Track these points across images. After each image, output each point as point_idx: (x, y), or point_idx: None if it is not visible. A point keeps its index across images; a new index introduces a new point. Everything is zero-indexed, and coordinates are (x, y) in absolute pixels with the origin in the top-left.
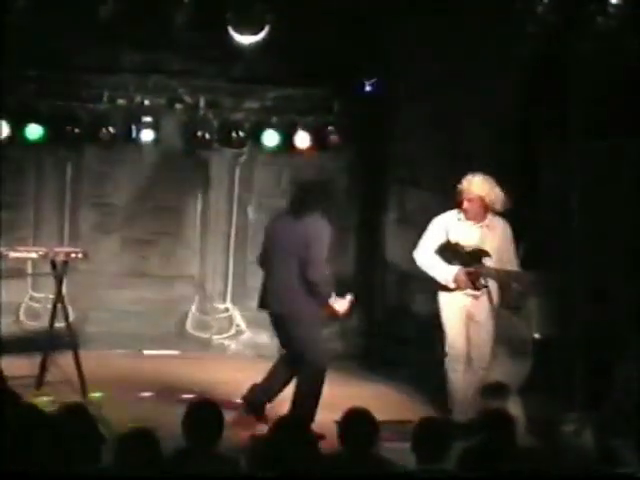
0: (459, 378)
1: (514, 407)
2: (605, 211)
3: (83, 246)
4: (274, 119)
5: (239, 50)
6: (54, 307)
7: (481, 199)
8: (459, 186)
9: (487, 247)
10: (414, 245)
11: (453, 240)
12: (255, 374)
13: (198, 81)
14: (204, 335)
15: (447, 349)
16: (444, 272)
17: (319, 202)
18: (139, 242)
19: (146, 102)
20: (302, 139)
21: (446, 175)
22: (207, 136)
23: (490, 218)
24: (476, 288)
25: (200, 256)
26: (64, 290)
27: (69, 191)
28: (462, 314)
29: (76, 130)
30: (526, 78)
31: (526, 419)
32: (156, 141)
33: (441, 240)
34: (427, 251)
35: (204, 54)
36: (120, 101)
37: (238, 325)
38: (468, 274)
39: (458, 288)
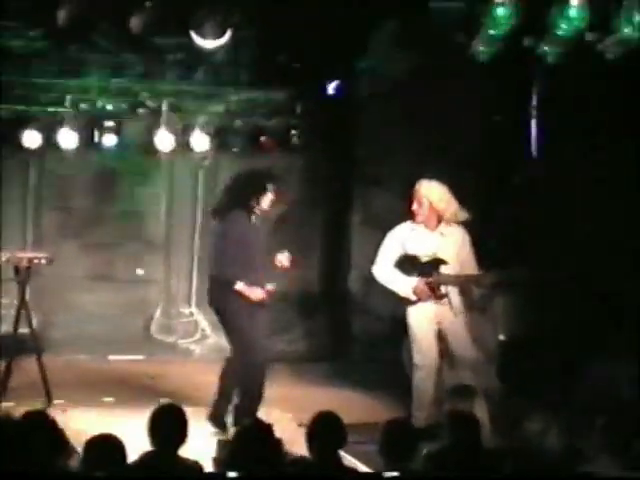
0: (425, 381)
1: (479, 409)
2: (575, 208)
3: (46, 250)
4: (237, 122)
5: (202, 54)
6: (18, 312)
7: (430, 203)
8: (413, 190)
9: (444, 255)
10: (378, 246)
11: (410, 251)
12: None
13: (161, 85)
14: (169, 339)
15: (416, 361)
16: (403, 285)
17: (237, 199)
18: (103, 246)
19: (108, 106)
20: (265, 142)
21: (411, 176)
22: (170, 140)
23: (444, 226)
24: (437, 297)
25: (164, 260)
26: (27, 295)
27: (32, 195)
28: (431, 324)
29: (39, 134)
30: (493, 78)
31: (490, 420)
32: (119, 145)
33: (398, 253)
34: (385, 265)
35: (167, 58)
36: (82, 105)
37: (203, 329)
38: (427, 284)
39: (420, 300)
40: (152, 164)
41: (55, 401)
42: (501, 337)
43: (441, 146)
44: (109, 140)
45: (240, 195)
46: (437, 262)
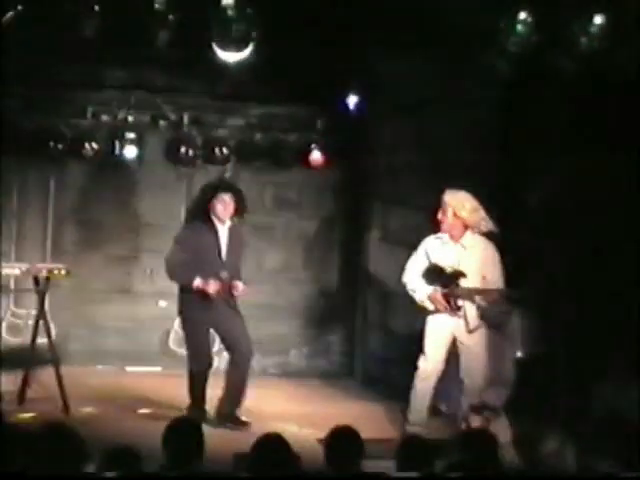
0: (424, 387)
1: (501, 427)
2: (590, 227)
3: (66, 262)
4: (258, 136)
5: (223, 67)
6: (36, 323)
7: (453, 211)
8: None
9: (464, 266)
10: (397, 262)
11: (434, 261)
12: None
13: (182, 98)
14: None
15: (420, 363)
16: (422, 293)
17: (194, 209)
18: (122, 258)
19: (130, 118)
20: (287, 157)
21: (429, 192)
22: (191, 153)
23: (470, 237)
24: (452, 309)
25: None
26: (46, 306)
27: (52, 207)
28: (444, 334)
29: (59, 146)
30: (509, 96)
31: (512, 439)
32: (140, 158)
33: (423, 262)
34: (411, 274)
35: (188, 71)
36: (104, 117)
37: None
38: (443, 295)
39: (436, 310)
40: (172, 177)
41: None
42: (519, 354)
43: (458, 162)
44: (130, 152)
45: (195, 205)
46: (457, 274)
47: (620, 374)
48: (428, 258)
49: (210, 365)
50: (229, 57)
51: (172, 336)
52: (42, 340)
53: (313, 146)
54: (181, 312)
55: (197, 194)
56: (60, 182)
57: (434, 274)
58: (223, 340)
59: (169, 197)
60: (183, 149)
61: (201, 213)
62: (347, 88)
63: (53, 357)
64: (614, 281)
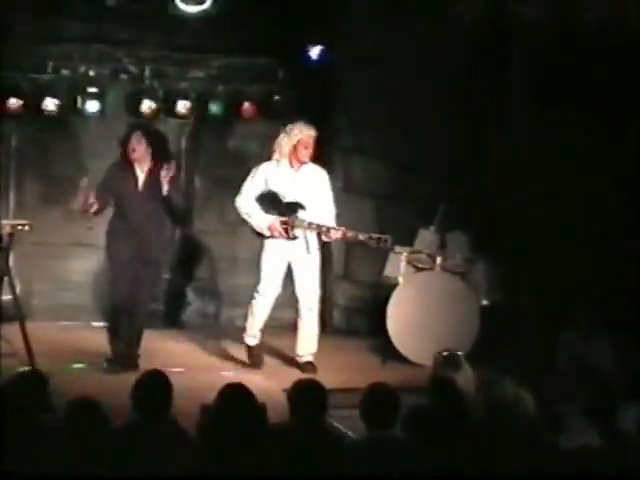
0: (263, 309)
1: (465, 375)
2: (557, 179)
3: (28, 217)
4: (219, 88)
5: (184, 19)
6: (0, 280)
7: (314, 143)
8: (296, 135)
9: (302, 194)
10: (359, 212)
11: (272, 189)
12: (202, 345)
13: (143, 50)
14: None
15: (260, 287)
16: (260, 220)
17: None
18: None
19: (91, 72)
20: (247, 109)
21: (391, 143)
22: (153, 106)
23: (311, 167)
24: (289, 238)
25: None
26: (10, 262)
27: (14, 162)
28: (282, 258)
29: (20, 101)
30: (471, 47)
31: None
32: (101, 112)
33: (261, 188)
34: (247, 198)
35: (149, 23)
36: (64, 71)
37: (185, 295)
38: (282, 224)
39: (272, 236)
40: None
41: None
42: (484, 302)
43: (420, 115)
44: (92, 106)
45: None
46: (295, 205)
47: (587, 323)
48: (267, 184)
49: None
50: (189, 8)
51: None
52: (7, 297)
53: (275, 97)
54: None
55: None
56: (22, 137)
57: (273, 202)
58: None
59: None
60: (145, 102)
61: (122, 154)
62: (310, 38)
63: (18, 313)
64: (585, 228)
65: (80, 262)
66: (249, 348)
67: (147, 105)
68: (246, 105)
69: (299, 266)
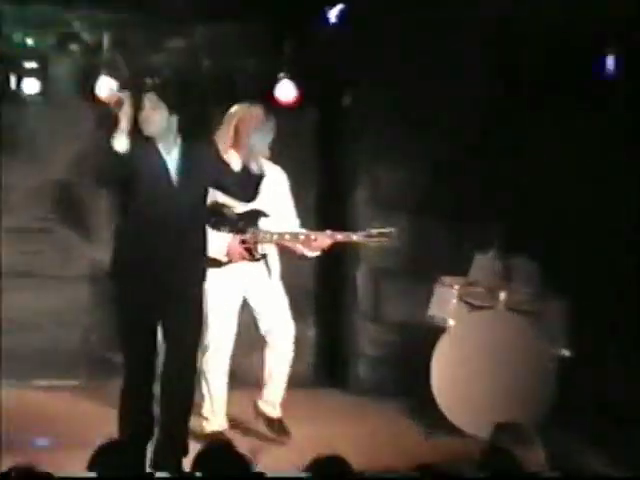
0: (220, 376)
1: (534, 453)
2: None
3: None
4: (204, 64)
5: None
6: None
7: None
8: (235, 118)
9: (262, 202)
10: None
11: (219, 197)
12: None
13: (101, 12)
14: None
15: (208, 340)
16: (213, 243)
17: None
18: (25, 232)
19: (29, 41)
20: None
21: (433, 140)
22: (114, 87)
23: (262, 163)
24: (254, 259)
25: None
26: None
27: None
28: (236, 294)
29: None
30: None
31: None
32: (43, 94)
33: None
34: None
35: None
36: None
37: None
38: (242, 242)
39: (230, 262)
40: (90, 119)
41: None
42: (562, 352)
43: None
44: (30, 87)
45: None
46: (255, 214)
47: None
48: (213, 192)
49: None
50: None
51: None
52: None
53: (280, 76)
54: None
55: None
56: None
57: (224, 215)
58: None
59: (87, 146)
60: (103, 82)
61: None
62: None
63: None
64: None
65: (21, 297)
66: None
67: (106, 85)
68: (241, 87)
69: (260, 298)
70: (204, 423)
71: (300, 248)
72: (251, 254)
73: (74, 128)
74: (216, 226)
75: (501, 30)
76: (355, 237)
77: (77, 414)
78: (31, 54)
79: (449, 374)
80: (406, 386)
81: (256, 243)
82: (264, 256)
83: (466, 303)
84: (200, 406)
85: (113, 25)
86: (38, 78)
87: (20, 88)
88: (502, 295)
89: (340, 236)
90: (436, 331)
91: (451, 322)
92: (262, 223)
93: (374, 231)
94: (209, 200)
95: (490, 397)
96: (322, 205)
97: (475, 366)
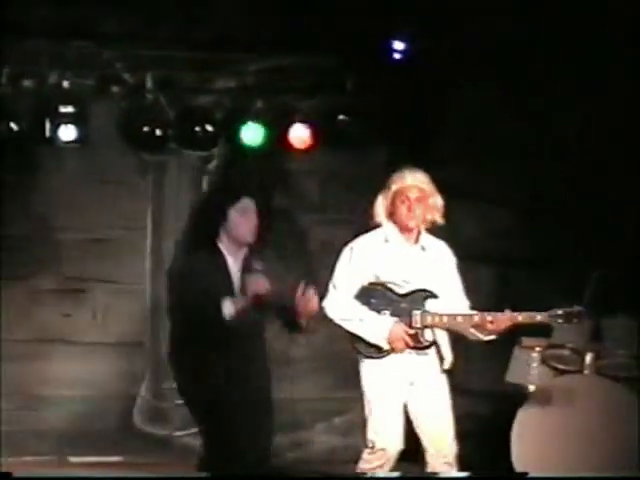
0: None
1: None
2: None
3: None
4: (257, 105)
5: (204, 4)
6: None
7: (427, 198)
8: (393, 186)
9: (426, 278)
10: (470, 282)
11: (381, 276)
12: None
13: (144, 50)
14: (161, 431)
15: (370, 439)
16: (373, 328)
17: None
18: (59, 292)
19: (65, 83)
20: (299, 133)
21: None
22: (159, 132)
23: (425, 237)
24: (420, 348)
25: (152, 312)
26: None
27: None
28: (400, 388)
29: None
30: None
31: None
32: (81, 141)
33: (363, 277)
34: (344, 297)
35: (152, 10)
36: (26, 82)
37: None
38: (408, 327)
39: (393, 351)
40: (132, 168)
41: None
42: None
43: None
44: (67, 133)
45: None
46: (421, 294)
47: None
48: (372, 269)
49: None
50: None
51: (138, 407)
52: None
53: (341, 117)
54: None
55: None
56: None
57: (384, 295)
58: None
59: (128, 198)
60: (147, 127)
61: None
62: (394, 26)
63: None
64: None
65: (52, 367)
66: None
67: (150, 131)
68: (297, 128)
69: (425, 395)
70: None
71: (473, 332)
72: (418, 341)
73: (115, 177)
74: (375, 308)
75: None
76: (540, 317)
77: None
78: (68, 96)
79: (532, 446)
80: (485, 458)
81: (423, 328)
82: (433, 343)
83: (549, 367)
84: None
85: (157, 63)
86: (75, 123)
87: (55, 134)
88: (589, 357)
89: (521, 317)
90: (516, 398)
91: (532, 388)
92: (429, 304)
93: (560, 311)
94: (368, 279)
95: (578, 471)
96: None
97: (561, 436)
